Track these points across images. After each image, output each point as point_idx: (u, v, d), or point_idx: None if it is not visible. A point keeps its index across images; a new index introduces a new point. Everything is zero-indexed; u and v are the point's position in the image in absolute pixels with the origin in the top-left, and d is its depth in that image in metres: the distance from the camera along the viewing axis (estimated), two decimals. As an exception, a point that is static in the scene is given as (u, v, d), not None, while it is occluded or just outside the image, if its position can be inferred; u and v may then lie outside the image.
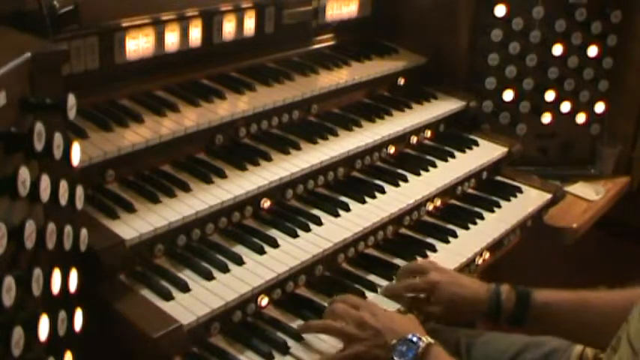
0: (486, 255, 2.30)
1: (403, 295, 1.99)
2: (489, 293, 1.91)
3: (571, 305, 1.86)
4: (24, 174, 1.20)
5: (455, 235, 2.29)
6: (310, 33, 2.70)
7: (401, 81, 2.80)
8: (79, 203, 1.41)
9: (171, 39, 2.22)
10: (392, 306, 1.93)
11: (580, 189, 2.88)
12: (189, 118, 2.09)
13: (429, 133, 2.68)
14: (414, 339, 1.65)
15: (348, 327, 1.73)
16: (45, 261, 1.31)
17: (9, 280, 1.15)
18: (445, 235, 2.27)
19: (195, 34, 2.28)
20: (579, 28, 2.86)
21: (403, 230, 2.30)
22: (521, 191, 2.60)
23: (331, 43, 2.77)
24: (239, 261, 1.87)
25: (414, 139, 2.61)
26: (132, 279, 1.75)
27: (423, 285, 1.97)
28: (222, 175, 2.02)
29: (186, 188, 1.94)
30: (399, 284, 2.03)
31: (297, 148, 2.22)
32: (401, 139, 2.54)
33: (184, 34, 2.25)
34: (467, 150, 2.64)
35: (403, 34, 2.90)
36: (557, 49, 2.88)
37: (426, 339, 1.66)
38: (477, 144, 2.70)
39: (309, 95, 2.40)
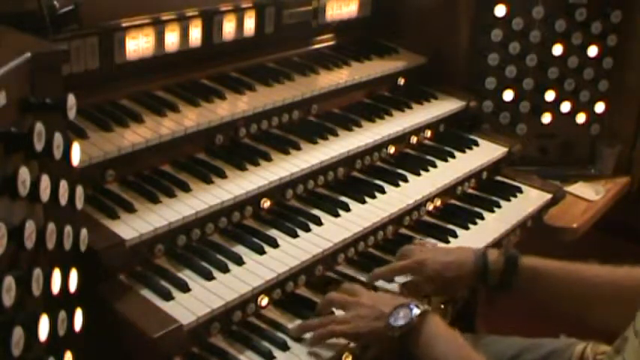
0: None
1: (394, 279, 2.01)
2: (476, 256, 1.93)
3: (559, 272, 1.86)
4: (24, 174, 1.19)
5: (455, 235, 2.29)
6: (310, 33, 2.70)
7: (401, 81, 2.80)
8: (79, 203, 1.41)
9: (171, 39, 2.22)
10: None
11: (580, 189, 2.89)
12: (189, 118, 2.09)
13: (429, 133, 2.68)
14: (411, 305, 1.67)
15: (345, 314, 1.75)
16: (45, 261, 1.31)
17: (9, 280, 1.15)
18: (445, 235, 2.27)
19: (195, 34, 2.28)
20: (579, 28, 2.86)
21: (403, 230, 2.30)
22: (521, 191, 2.60)
23: (331, 43, 2.77)
24: (239, 261, 1.87)
25: (414, 139, 2.61)
26: (132, 279, 1.75)
27: (412, 264, 1.99)
28: (222, 175, 2.02)
29: (186, 188, 1.94)
30: (387, 267, 2.04)
31: (297, 148, 2.22)
32: (401, 139, 2.54)
33: (184, 34, 2.25)
34: (467, 150, 2.64)
35: (403, 34, 2.90)
36: (557, 49, 2.88)
37: (423, 306, 1.67)
38: (477, 144, 2.70)
39: (309, 95, 2.40)
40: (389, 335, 1.66)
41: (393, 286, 2.00)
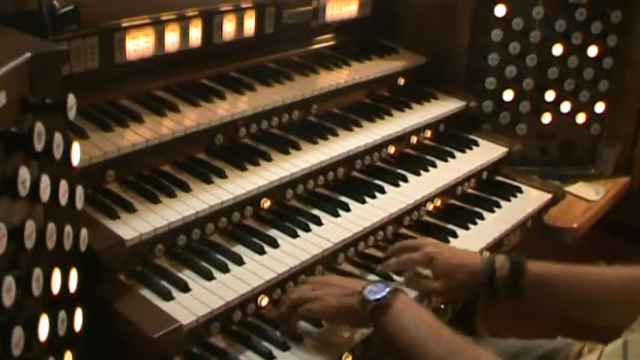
0: (486, 255, 2.29)
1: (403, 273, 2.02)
2: (484, 262, 1.93)
3: (565, 277, 1.86)
4: (24, 174, 1.19)
5: (455, 235, 2.29)
6: (310, 33, 2.70)
7: (401, 81, 2.80)
8: (79, 203, 1.41)
9: (171, 39, 2.22)
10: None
11: (580, 189, 2.89)
12: (189, 118, 2.09)
13: (429, 133, 2.68)
14: (385, 282, 1.69)
15: (315, 292, 1.76)
16: (45, 261, 1.31)
17: (9, 280, 1.15)
18: (445, 235, 2.27)
19: (195, 34, 2.28)
20: (579, 28, 2.86)
21: (403, 230, 2.30)
22: (521, 191, 2.60)
23: (331, 43, 2.77)
24: (239, 261, 1.87)
25: (414, 139, 2.61)
26: (132, 279, 1.75)
27: (421, 258, 1.99)
28: (222, 175, 2.02)
29: (186, 188, 1.94)
30: (396, 260, 2.04)
31: (297, 148, 2.22)
32: (401, 139, 2.54)
33: (184, 34, 2.25)
34: (467, 150, 2.65)
35: (403, 34, 2.90)
36: (557, 49, 2.88)
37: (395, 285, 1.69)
38: (477, 144, 2.70)
39: (309, 95, 2.40)
40: (359, 311, 1.67)
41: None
